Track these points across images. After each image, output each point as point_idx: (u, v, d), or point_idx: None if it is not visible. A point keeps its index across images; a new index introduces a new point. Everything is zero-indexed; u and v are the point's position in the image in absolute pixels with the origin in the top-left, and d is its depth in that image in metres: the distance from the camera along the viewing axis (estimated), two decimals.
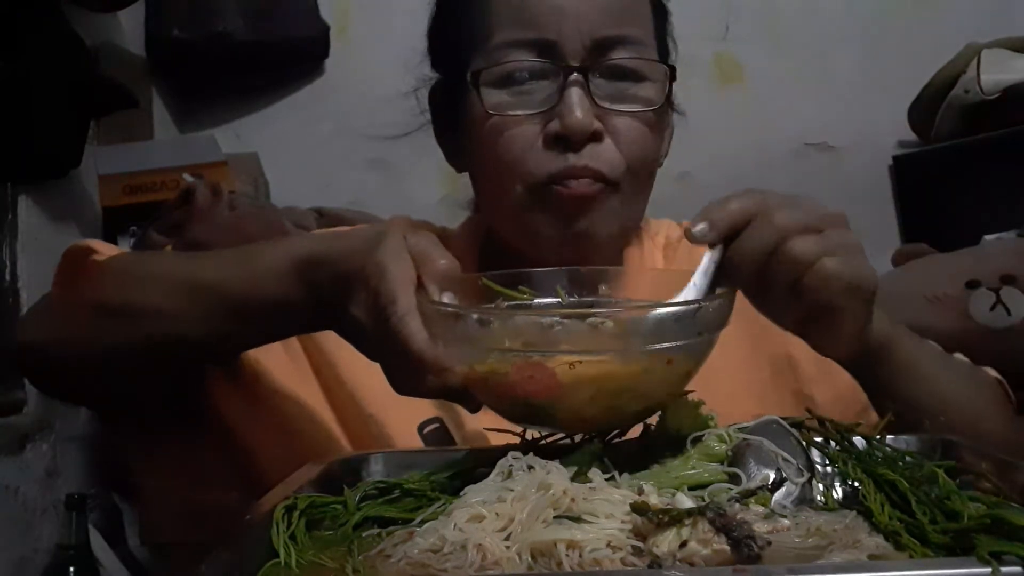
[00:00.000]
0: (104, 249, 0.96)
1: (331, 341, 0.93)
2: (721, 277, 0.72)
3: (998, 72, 1.90)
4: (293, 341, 0.95)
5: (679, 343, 0.67)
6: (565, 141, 0.91)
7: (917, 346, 0.88)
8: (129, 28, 1.94)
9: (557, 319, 0.68)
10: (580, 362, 0.65)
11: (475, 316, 0.68)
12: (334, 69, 2.11)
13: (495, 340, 0.66)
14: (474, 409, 0.72)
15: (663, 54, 1.00)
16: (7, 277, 1.42)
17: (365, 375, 0.92)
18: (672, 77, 0.96)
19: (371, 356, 0.76)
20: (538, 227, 0.93)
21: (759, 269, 0.71)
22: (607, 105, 0.91)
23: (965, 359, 0.99)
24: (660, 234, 1.09)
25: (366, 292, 0.72)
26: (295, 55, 2.07)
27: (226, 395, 0.96)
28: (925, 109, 2.01)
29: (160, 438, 0.99)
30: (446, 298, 0.71)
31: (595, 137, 0.91)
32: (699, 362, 0.70)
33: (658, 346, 0.66)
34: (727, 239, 0.71)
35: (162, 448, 1.00)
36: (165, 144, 1.92)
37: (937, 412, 0.82)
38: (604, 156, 0.91)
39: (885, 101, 2.07)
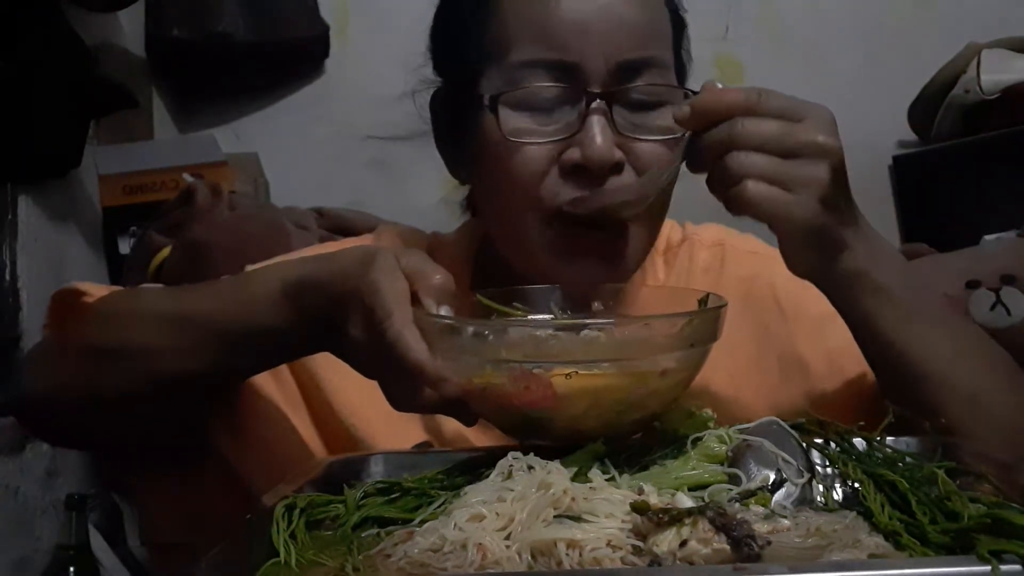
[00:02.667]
0: (93, 290, 0.95)
1: (320, 366, 0.93)
2: (689, 158, 0.77)
3: (998, 72, 1.89)
4: (282, 368, 0.93)
5: (671, 355, 0.68)
6: (584, 173, 0.86)
7: (918, 298, 0.83)
8: (129, 28, 1.94)
9: (551, 332, 0.69)
10: (576, 373, 0.66)
11: (471, 329, 0.68)
12: (334, 69, 2.10)
13: (491, 352, 0.67)
14: (470, 423, 0.72)
15: (680, 71, 0.96)
16: (7, 277, 1.42)
17: (355, 400, 0.92)
18: None
19: (369, 375, 0.76)
20: (559, 271, 0.87)
21: (712, 165, 0.75)
22: (630, 134, 0.87)
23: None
24: (660, 238, 1.05)
25: (361, 311, 0.72)
26: (295, 55, 2.07)
27: (220, 426, 0.94)
28: (925, 109, 2.01)
29: (160, 471, 0.99)
30: (443, 312, 0.71)
31: (616, 168, 0.86)
32: (693, 372, 0.71)
33: (650, 358, 0.68)
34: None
35: (162, 481, 0.99)
36: (165, 144, 1.92)
37: (933, 380, 0.79)
38: (624, 187, 0.87)
39: (885, 101, 2.07)
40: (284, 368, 0.94)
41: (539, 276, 0.88)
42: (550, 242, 0.88)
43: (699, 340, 0.69)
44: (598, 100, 0.86)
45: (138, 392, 0.86)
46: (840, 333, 0.86)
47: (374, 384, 0.82)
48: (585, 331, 0.68)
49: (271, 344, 0.82)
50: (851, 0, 2.14)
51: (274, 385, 0.95)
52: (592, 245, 0.88)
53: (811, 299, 0.91)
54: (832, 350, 0.95)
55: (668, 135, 0.87)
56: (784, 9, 2.13)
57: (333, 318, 0.74)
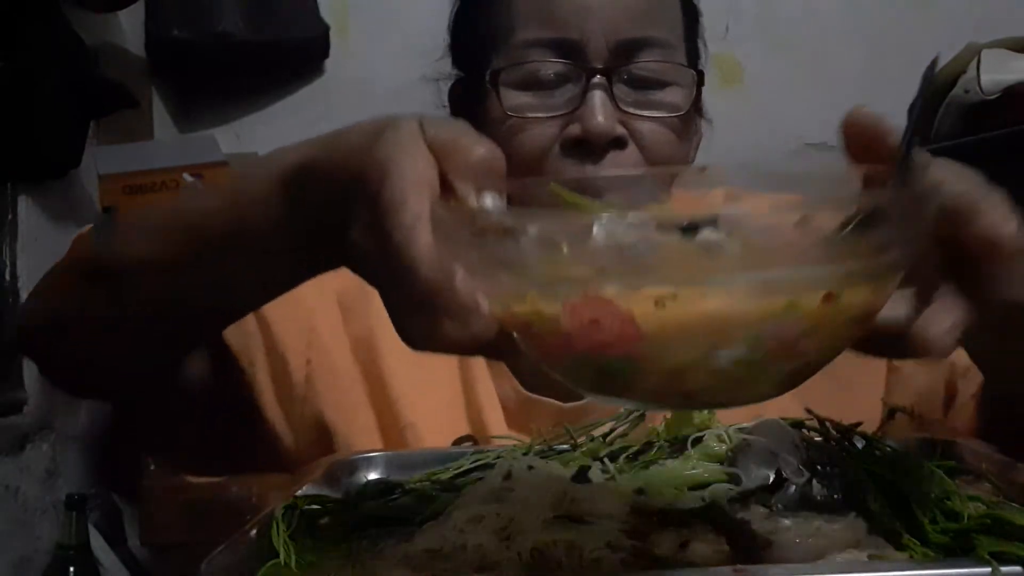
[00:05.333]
0: None
1: (384, 344, 0.90)
2: None
3: (998, 72, 1.89)
4: (345, 343, 0.90)
5: (845, 267, 0.43)
6: (585, 147, 0.86)
7: None
8: (129, 28, 1.94)
9: (648, 233, 0.44)
10: (674, 297, 0.42)
11: (533, 229, 0.44)
12: (334, 69, 2.11)
13: (544, 266, 0.44)
14: (520, 371, 0.61)
15: (692, 58, 0.96)
16: (7, 277, 1.42)
17: (407, 382, 0.90)
18: (700, 82, 0.93)
19: (382, 293, 0.54)
20: None
21: None
22: (631, 110, 0.87)
23: None
24: None
25: (366, 203, 0.51)
26: (295, 55, 2.07)
27: (274, 394, 0.91)
28: (925, 110, 2.01)
29: (201, 442, 0.94)
30: (489, 201, 0.50)
31: (618, 143, 0.87)
32: (879, 297, 0.46)
33: (807, 273, 0.42)
34: None
35: (202, 450, 0.95)
36: (165, 144, 1.92)
37: None
38: (626, 163, 0.87)
39: (885, 101, 2.06)
40: (347, 346, 0.90)
41: None
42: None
43: (889, 245, 0.44)
44: (599, 76, 0.86)
45: (133, 316, 0.75)
46: None
47: (428, 368, 0.83)
48: (707, 230, 0.42)
49: (270, 253, 0.64)
50: (851, 0, 2.14)
51: (339, 364, 0.92)
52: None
53: None
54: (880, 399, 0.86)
55: (672, 113, 0.89)
56: (784, 9, 2.13)
57: (334, 213, 0.55)
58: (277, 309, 0.83)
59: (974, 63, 1.91)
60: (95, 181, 1.70)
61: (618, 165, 0.86)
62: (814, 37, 2.13)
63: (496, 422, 0.89)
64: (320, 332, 0.92)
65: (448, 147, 0.52)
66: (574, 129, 0.87)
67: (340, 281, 0.80)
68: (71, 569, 1.31)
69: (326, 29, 2.06)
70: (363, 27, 2.09)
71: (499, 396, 0.91)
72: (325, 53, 2.08)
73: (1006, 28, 2.00)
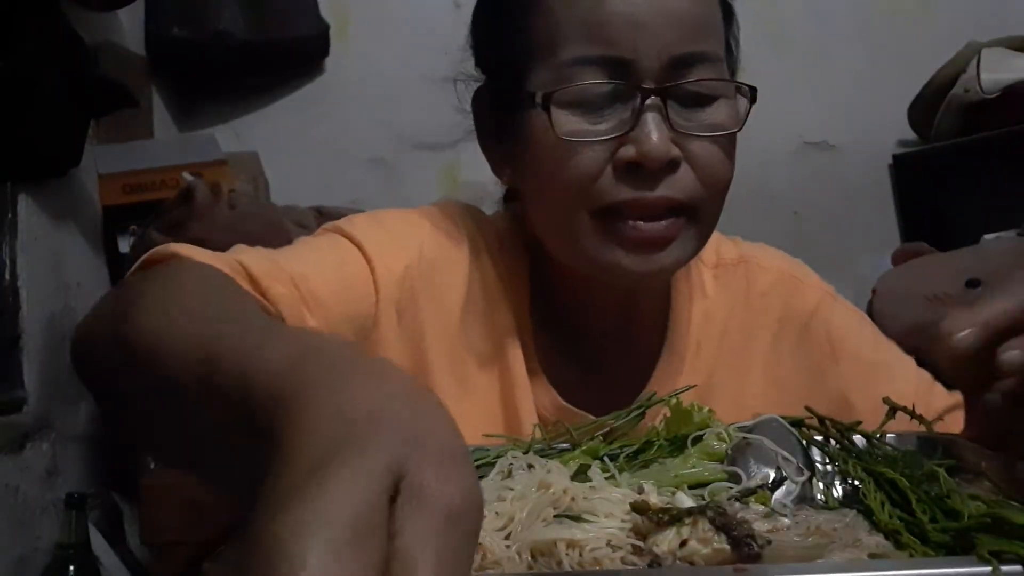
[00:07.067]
0: (193, 255, 0.78)
1: (428, 340, 0.89)
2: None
3: (998, 71, 1.90)
4: (399, 343, 0.87)
5: None
6: (640, 171, 0.83)
7: None
8: (129, 28, 1.94)
9: None
10: None
11: None
12: (334, 69, 2.11)
13: None
14: None
15: (730, 59, 0.94)
16: (7, 277, 1.42)
17: (449, 380, 0.89)
18: (753, 99, 0.90)
19: None
20: (606, 258, 0.85)
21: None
22: (685, 131, 0.84)
23: None
24: (708, 250, 0.99)
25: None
26: (295, 55, 2.08)
27: None
28: (925, 109, 2.01)
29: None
30: None
31: (671, 166, 0.83)
32: None
33: None
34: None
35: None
36: (165, 143, 1.92)
37: None
38: (680, 184, 0.84)
39: (885, 101, 2.07)
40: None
41: (588, 270, 0.87)
42: (603, 233, 0.84)
43: None
44: (653, 96, 0.82)
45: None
46: (891, 384, 0.86)
47: (469, 368, 0.87)
48: None
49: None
50: (851, 0, 2.14)
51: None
52: (647, 234, 0.84)
53: (867, 344, 0.96)
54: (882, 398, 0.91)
55: (721, 132, 0.86)
56: (784, 8, 2.13)
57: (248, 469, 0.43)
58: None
59: (974, 62, 1.92)
60: (95, 181, 1.70)
61: (672, 188, 0.83)
62: (814, 37, 2.13)
63: (531, 429, 0.86)
64: (380, 326, 0.88)
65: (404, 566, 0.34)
66: (627, 152, 0.82)
67: (397, 291, 0.88)
68: (71, 569, 1.30)
69: (326, 29, 2.06)
70: (363, 27, 2.10)
71: (536, 404, 0.91)
72: (325, 53, 2.08)
73: (1006, 28, 2.00)
